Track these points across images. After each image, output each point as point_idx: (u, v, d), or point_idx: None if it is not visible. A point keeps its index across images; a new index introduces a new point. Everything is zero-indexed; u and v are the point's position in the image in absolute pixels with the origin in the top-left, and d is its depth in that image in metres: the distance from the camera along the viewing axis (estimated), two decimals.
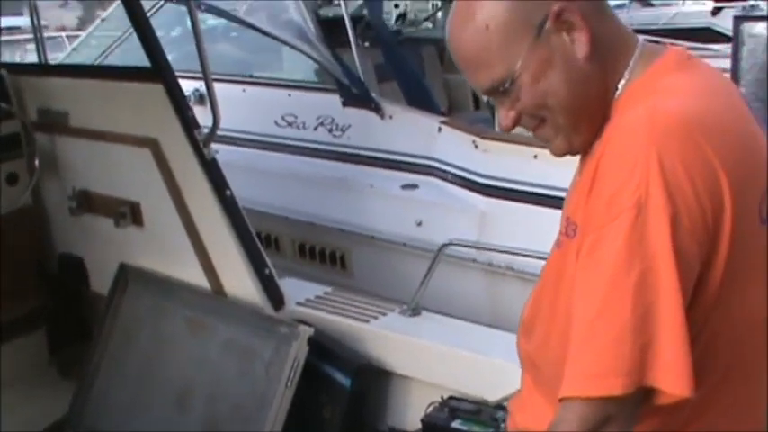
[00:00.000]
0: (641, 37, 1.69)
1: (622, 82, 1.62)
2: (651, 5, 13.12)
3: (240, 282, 3.62)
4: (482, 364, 3.18)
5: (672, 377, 1.41)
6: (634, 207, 1.42)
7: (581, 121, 1.63)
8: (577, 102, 1.61)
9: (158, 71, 3.48)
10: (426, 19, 9.57)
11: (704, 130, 1.48)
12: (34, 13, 5.04)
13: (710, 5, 11.69)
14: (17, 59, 15.03)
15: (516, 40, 1.58)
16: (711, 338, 1.53)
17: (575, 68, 1.59)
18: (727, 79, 1.71)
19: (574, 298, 1.51)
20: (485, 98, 1.71)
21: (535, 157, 4.87)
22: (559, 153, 1.69)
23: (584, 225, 1.52)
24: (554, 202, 4.40)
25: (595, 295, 1.45)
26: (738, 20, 6.01)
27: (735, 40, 5.90)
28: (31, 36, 5.17)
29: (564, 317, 1.54)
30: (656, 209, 1.42)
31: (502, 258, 4.85)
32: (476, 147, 5.36)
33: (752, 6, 10.90)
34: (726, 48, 7.34)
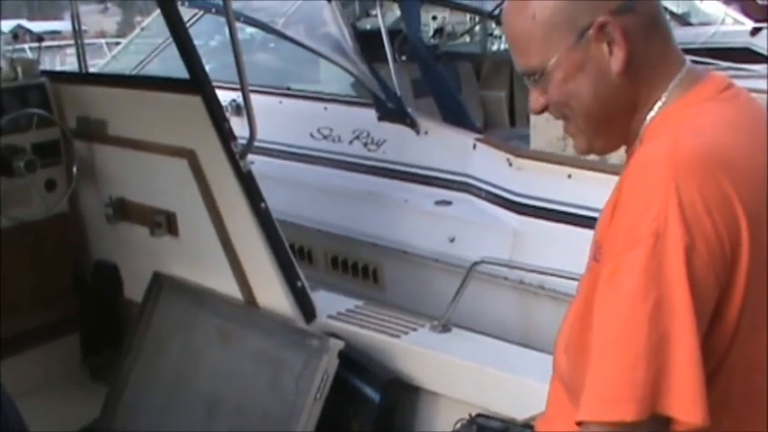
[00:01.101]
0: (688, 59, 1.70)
1: (659, 103, 1.64)
2: (690, 24, 13.05)
3: (273, 293, 3.64)
4: (511, 382, 3.17)
5: (685, 405, 1.42)
6: (652, 236, 1.44)
7: (601, 129, 1.69)
8: (600, 111, 1.65)
9: (197, 83, 3.51)
10: (464, 33, 9.59)
11: (724, 165, 1.49)
12: (76, 20, 5.10)
13: (750, 25, 11.62)
14: (57, 63, 15.21)
15: (557, 38, 1.62)
16: (733, 374, 1.53)
17: (605, 80, 1.62)
18: (764, 110, 1.70)
19: (594, 323, 1.52)
20: (524, 79, 1.75)
21: (569, 176, 4.88)
22: (581, 151, 1.76)
23: (606, 252, 1.54)
24: (587, 221, 4.40)
25: (612, 322, 1.47)
26: None
27: None
28: (71, 42, 5.22)
29: (591, 342, 1.55)
30: (673, 238, 1.43)
31: (533, 277, 4.85)
32: (510, 164, 5.37)
33: None
34: (764, 68, 7.31)
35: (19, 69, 4.42)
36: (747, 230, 1.47)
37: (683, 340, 1.42)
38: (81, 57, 5.06)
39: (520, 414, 2.94)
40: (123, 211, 4.29)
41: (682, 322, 1.42)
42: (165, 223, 4.02)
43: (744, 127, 1.62)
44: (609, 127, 1.68)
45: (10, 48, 5.29)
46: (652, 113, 1.65)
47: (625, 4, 1.60)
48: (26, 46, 7.11)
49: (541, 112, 1.73)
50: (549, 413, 1.87)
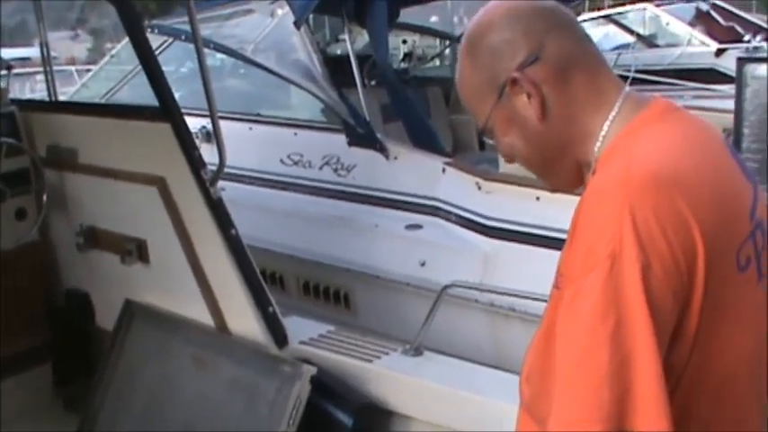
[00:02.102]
0: (627, 87, 1.75)
1: (602, 133, 1.70)
2: (656, 46, 13.19)
3: (244, 320, 3.64)
4: (484, 404, 3.18)
5: (650, 422, 1.44)
6: (608, 258, 1.47)
7: (547, 170, 1.82)
8: (538, 155, 1.78)
9: (166, 111, 3.52)
10: (434, 57, 9.64)
11: (677, 184, 1.53)
12: (45, 47, 5.09)
13: (714, 47, 11.76)
14: (27, 90, 15.13)
15: (486, 97, 1.76)
16: (691, 387, 1.56)
17: (532, 128, 1.73)
18: (713, 130, 1.75)
19: (557, 348, 1.55)
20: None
21: (537, 198, 4.91)
22: (552, 190, 1.90)
23: (566, 278, 1.57)
24: (556, 243, 4.43)
25: (575, 345, 1.50)
26: (741, 61, 6.07)
27: (738, 81, 5.94)
28: (41, 69, 5.22)
29: (556, 367, 1.57)
30: (629, 259, 1.46)
31: (504, 300, 4.87)
32: (479, 188, 5.40)
33: (755, 48, 10.97)
34: (729, 88, 7.41)
35: None
36: (703, 248, 1.51)
37: (645, 360, 1.45)
38: (50, 84, 5.05)
39: None
40: (94, 239, 4.28)
41: (643, 342, 1.45)
42: (135, 251, 4.01)
43: (694, 146, 1.66)
44: (554, 167, 1.79)
45: None
46: (599, 144, 1.70)
47: (529, 58, 1.70)
48: None
49: (510, 160, 1.84)
50: None
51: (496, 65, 1.72)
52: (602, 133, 1.69)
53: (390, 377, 3.48)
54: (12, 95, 4.76)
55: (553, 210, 4.65)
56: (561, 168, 1.78)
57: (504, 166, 5.45)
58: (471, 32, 1.78)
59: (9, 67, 5.22)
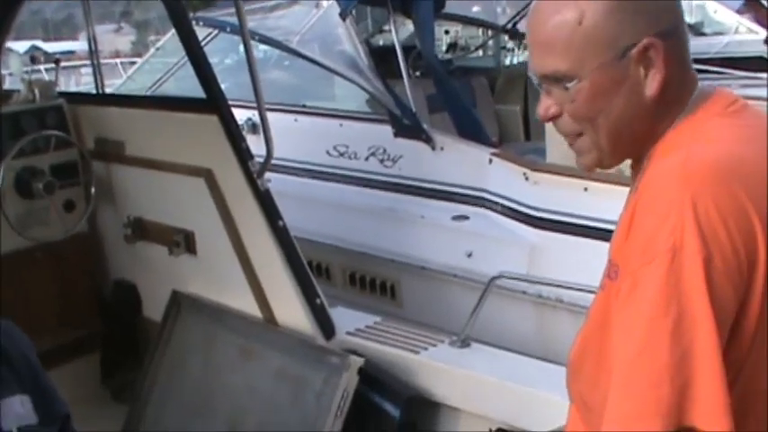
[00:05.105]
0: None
1: (673, 124, 1.64)
2: (703, 34, 13.04)
3: (291, 311, 3.65)
4: (531, 396, 3.17)
5: (711, 417, 1.42)
6: (669, 251, 1.44)
7: (620, 147, 1.66)
8: (625, 131, 1.63)
9: (213, 103, 3.53)
10: (478, 48, 9.59)
11: (738, 177, 1.50)
12: (93, 41, 5.13)
13: (763, 34, 11.60)
14: (72, 83, 15.28)
15: (598, 49, 1.57)
16: (749, 383, 1.54)
17: (637, 102, 1.60)
18: None
19: (614, 340, 1.53)
20: (536, 81, 1.68)
21: (585, 189, 4.87)
22: (588, 168, 1.72)
23: (623, 268, 1.54)
24: (604, 234, 4.40)
25: (634, 338, 1.47)
26: None
27: None
28: (87, 62, 5.26)
29: (611, 359, 1.55)
30: (690, 253, 1.44)
31: (552, 291, 4.84)
32: (526, 179, 5.36)
33: None
34: None
35: (36, 91, 4.46)
36: (764, 240, 1.48)
37: (706, 354, 1.43)
38: (98, 77, 5.09)
39: (540, 428, 2.94)
40: (141, 230, 4.32)
41: (704, 336, 1.43)
42: (183, 242, 4.04)
43: (754, 139, 1.62)
44: (627, 146, 1.67)
45: (27, 69, 5.32)
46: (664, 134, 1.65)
47: (672, 28, 1.60)
48: (42, 67, 7.15)
49: (549, 120, 1.68)
50: (571, 429, 1.87)
51: (631, 22, 1.57)
52: (674, 123, 1.64)
53: (437, 368, 3.48)
54: (59, 89, 4.79)
55: (601, 200, 4.63)
56: (632, 148, 1.67)
57: (552, 156, 5.42)
58: None
59: (57, 61, 5.27)
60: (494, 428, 3.15)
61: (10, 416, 2.42)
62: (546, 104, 1.67)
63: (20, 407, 2.46)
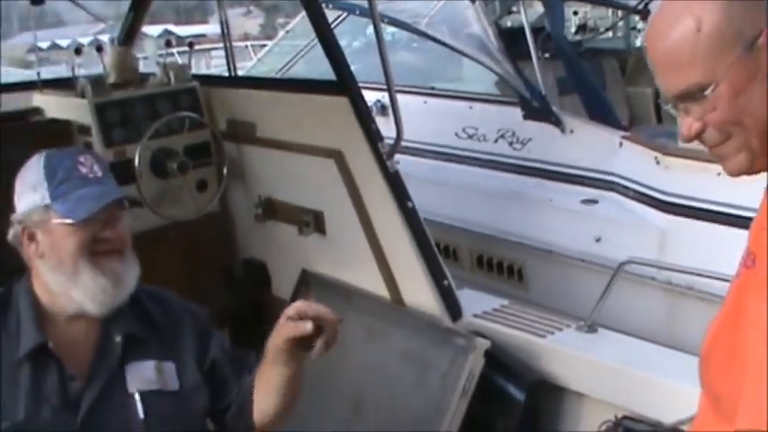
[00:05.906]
0: None
1: None
2: None
3: (419, 292, 3.67)
4: (658, 384, 3.13)
5: None
6: None
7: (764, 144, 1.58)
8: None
9: (343, 84, 3.55)
10: (608, 29, 9.46)
11: None
12: (225, 25, 5.22)
13: None
14: (203, 66, 15.58)
15: (726, 49, 1.52)
16: None
17: None
18: None
19: (748, 328, 1.49)
20: (666, 105, 1.64)
21: (719, 174, 4.75)
22: (737, 172, 1.63)
23: (762, 258, 1.50)
24: (737, 221, 4.31)
25: None
26: None
27: None
28: (218, 45, 5.34)
29: (743, 349, 1.52)
30: None
31: (682, 278, 4.77)
32: (658, 163, 5.28)
33: None
34: None
35: (171, 74, 4.57)
36: None
37: None
38: (230, 60, 5.19)
39: (666, 417, 2.91)
40: (272, 210, 4.39)
41: None
42: (312, 222, 4.09)
43: None
44: None
45: (162, 53, 5.45)
46: None
47: None
48: (175, 50, 7.31)
49: (695, 138, 1.62)
50: (695, 424, 1.84)
51: (748, 12, 1.52)
52: None
53: (564, 353, 3.46)
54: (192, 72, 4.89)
55: (735, 187, 4.51)
56: None
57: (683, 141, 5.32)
58: None
59: (191, 45, 5.38)
60: (619, 416, 3.11)
61: (135, 379, 2.48)
62: (687, 123, 1.61)
63: (150, 371, 2.51)
